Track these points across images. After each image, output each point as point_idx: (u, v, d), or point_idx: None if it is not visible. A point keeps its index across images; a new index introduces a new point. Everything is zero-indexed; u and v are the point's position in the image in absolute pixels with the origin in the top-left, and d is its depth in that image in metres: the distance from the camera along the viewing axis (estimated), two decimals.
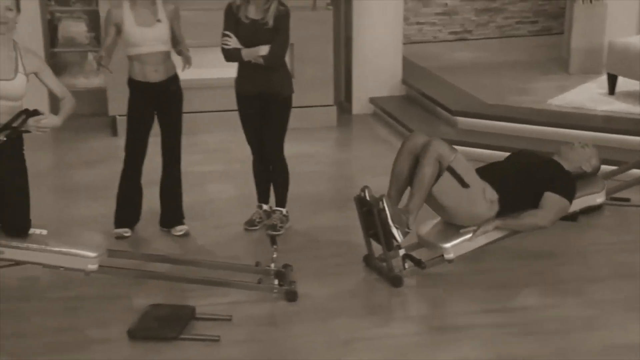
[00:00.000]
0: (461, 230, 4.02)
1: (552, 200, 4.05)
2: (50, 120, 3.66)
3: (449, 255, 3.98)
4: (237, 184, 5.36)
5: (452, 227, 4.07)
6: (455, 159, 3.96)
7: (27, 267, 3.80)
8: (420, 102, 6.91)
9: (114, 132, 6.42)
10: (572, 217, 4.50)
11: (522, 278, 4.10)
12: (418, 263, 4.00)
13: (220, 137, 6.33)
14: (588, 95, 6.57)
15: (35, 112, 3.58)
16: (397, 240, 3.92)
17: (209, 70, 6.26)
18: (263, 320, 3.71)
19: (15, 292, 3.90)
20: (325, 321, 3.67)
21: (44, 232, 3.74)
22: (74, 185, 5.52)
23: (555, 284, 4.05)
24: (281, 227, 4.63)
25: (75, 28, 6.97)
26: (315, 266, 4.20)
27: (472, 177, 4.01)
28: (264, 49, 4.30)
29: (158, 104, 4.44)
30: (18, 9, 3.61)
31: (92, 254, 3.70)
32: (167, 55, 4.39)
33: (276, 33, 4.30)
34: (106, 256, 3.80)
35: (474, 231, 4.00)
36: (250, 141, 4.65)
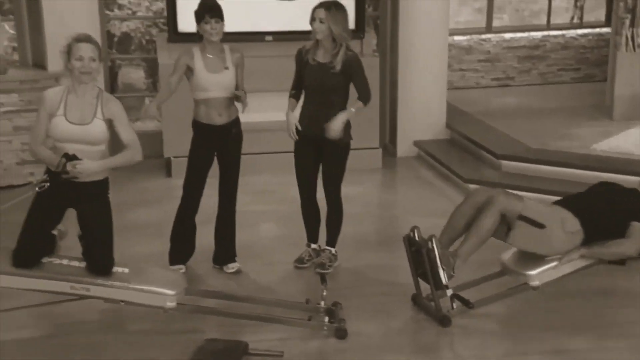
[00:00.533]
0: (546, 258, 3.99)
1: (638, 230, 4.01)
2: (85, 164, 3.60)
3: (535, 283, 3.95)
4: (285, 224, 5.40)
5: (536, 254, 4.04)
6: (524, 207, 3.96)
7: (97, 301, 3.85)
8: (464, 146, 6.91)
9: (169, 173, 6.54)
10: (621, 261, 4.43)
11: (573, 319, 4.04)
12: (466, 303, 3.98)
13: (268, 178, 6.39)
14: (633, 140, 6.49)
15: (74, 157, 3.61)
16: (442, 282, 3.91)
17: (263, 114, 6.39)
18: (313, 356, 3.72)
19: (88, 326, 4.00)
20: (374, 359, 3.65)
21: (126, 270, 3.81)
22: (130, 223, 5.58)
23: (609, 327, 3.97)
24: (330, 265, 4.65)
25: (134, 75, 7.20)
26: (363, 304, 4.20)
27: (546, 216, 3.99)
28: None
29: (220, 145, 4.52)
30: (100, 60, 3.73)
31: (171, 292, 3.74)
32: (231, 100, 4.49)
33: (356, 77, 4.41)
34: (183, 294, 3.85)
35: (560, 259, 3.97)
36: (300, 182, 4.69)
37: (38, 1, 6.26)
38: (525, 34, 8.94)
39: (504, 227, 4.00)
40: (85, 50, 3.64)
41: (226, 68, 4.43)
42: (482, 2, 8.78)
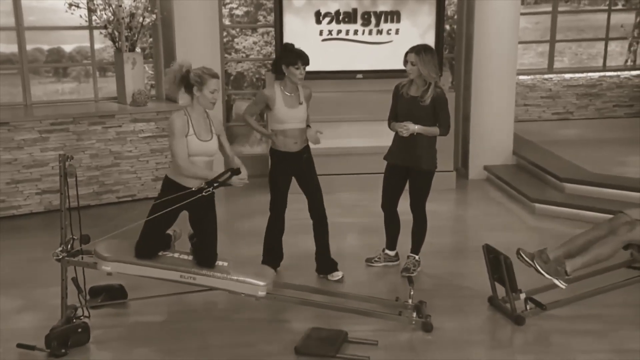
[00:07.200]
0: None
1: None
2: (245, 175, 3.78)
3: None
4: (370, 233, 5.34)
5: None
6: None
7: (208, 293, 3.91)
8: (529, 170, 6.73)
9: None
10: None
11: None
12: (539, 305, 3.85)
13: (355, 195, 6.39)
14: None
15: (238, 171, 3.74)
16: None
17: (344, 140, 6.44)
18: (404, 346, 3.68)
19: (200, 314, 4.06)
20: (458, 350, 3.59)
21: (225, 263, 3.88)
22: (239, 230, 5.66)
23: None
24: (414, 270, 4.61)
25: (245, 107, 7.36)
26: (444, 304, 4.14)
27: None
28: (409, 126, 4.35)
29: (295, 169, 4.52)
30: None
31: (261, 283, 3.79)
32: (304, 131, 4.49)
33: (440, 111, 4.36)
34: (272, 285, 3.88)
35: None
36: (384, 202, 4.66)
37: (173, 47, 6.53)
38: (584, 75, 8.67)
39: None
40: (218, 85, 3.79)
41: (300, 103, 4.45)
42: (545, 47, 8.58)
